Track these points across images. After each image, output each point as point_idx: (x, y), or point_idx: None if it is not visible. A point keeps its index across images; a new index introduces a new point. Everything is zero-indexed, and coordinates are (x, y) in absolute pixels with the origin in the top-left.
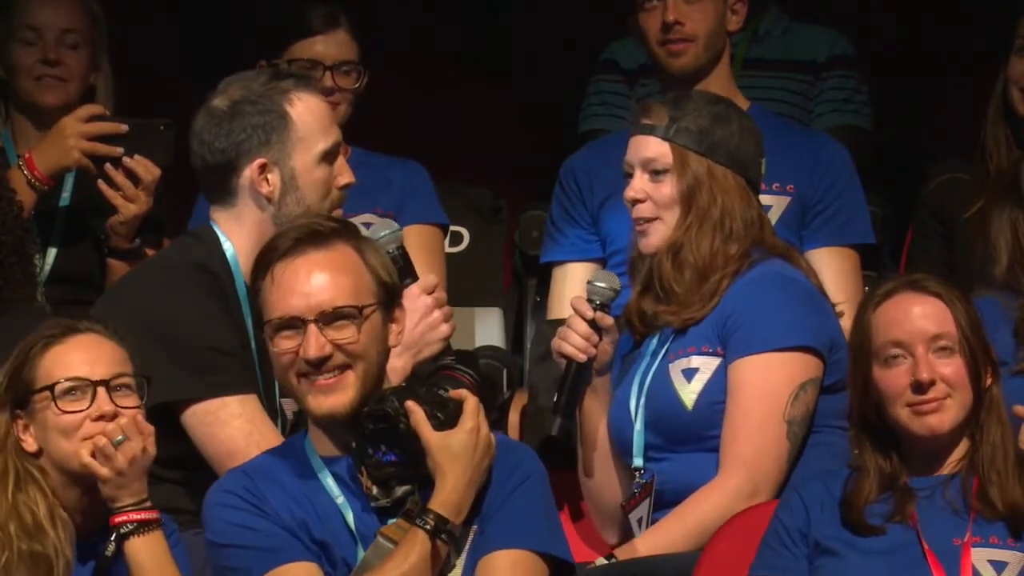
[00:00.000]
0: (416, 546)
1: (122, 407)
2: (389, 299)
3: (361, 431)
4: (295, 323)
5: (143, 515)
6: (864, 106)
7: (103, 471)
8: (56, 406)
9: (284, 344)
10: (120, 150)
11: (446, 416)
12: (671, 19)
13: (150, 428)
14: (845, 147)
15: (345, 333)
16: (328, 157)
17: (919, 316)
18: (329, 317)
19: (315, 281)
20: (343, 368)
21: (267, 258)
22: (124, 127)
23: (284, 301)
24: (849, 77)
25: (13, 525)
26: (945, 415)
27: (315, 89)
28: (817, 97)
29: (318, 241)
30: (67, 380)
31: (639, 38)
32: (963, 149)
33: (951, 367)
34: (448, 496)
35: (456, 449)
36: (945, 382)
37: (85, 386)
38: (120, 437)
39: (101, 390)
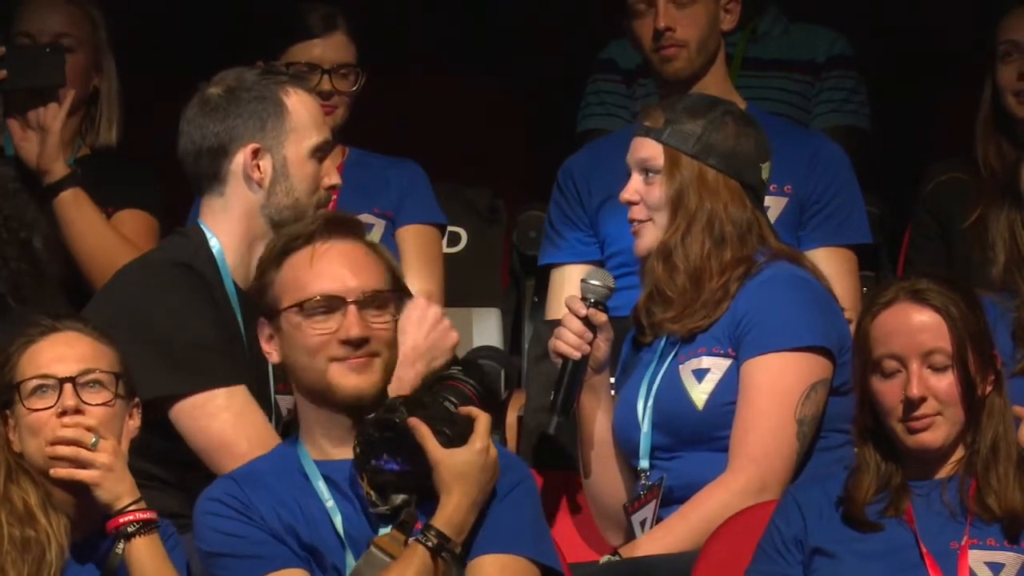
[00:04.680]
0: (415, 560)
1: (90, 403)
2: (401, 299)
3: (365, 437)
4: (334, 304)
5: (146, 515)
6: (863, 106)
7: (87, 475)
8: (23, 405)
9: (319, 326)
10: (3, 73)
11: (454, 433)
12: (662, 26)
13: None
14: (843, 147)
15: (381, 318)
16: (318, 153)
17: (915, 330)
18: (368, 300)
19: (353, 264)
20: (373, 355)
21: (288, 245)
22: (2, 49)
23: (319, 282)
24: (848, 77)
25: (4, 512)
26: (936, 432)
27: (308, 88)
28: (816, 97)
29: (344, 229)
30: (34, 378)
31: (633, 43)
32: (961, 149)
33: (944, 384)
34: (452, 515)
35: (463, 468)
36: (936, 398)
37: (52, 384)
38: (94, 439)
39: (68, 387)
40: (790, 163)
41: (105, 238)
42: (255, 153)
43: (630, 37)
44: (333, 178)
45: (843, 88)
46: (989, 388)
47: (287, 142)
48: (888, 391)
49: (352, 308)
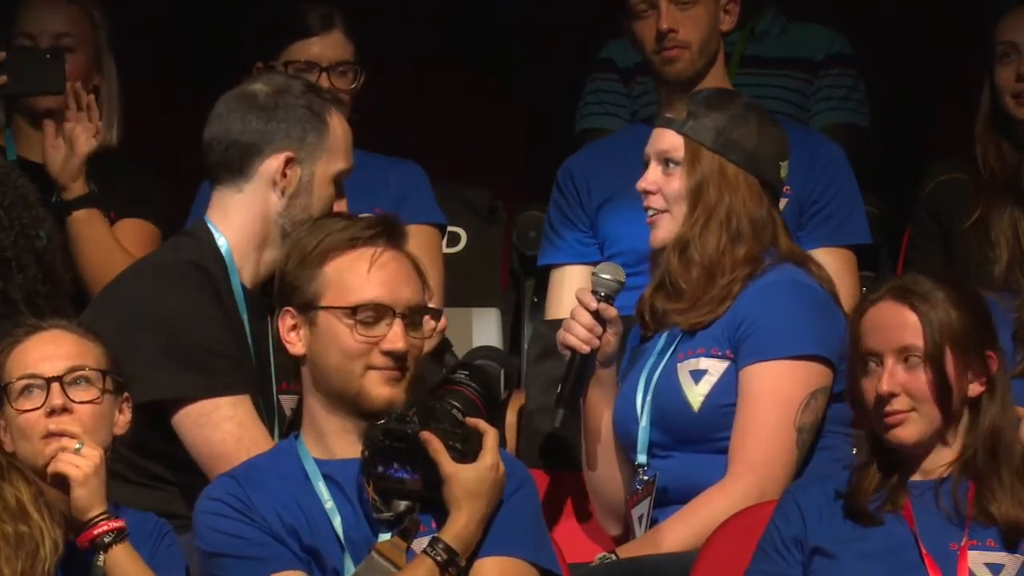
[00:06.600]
0: (421, 573)
1: (78, 401)
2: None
3: (374, 443)
4: (383, 313)
5: (117, 523)
6: (862, 104)
7: (75, 470)
8: (12, 406)
9: (364, 332)
10: (3, 79)
11: (466, 449)
12: (664, 28)
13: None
14: (843, 145)
15: (416, 333)
16: (339, 179)
17: (891, 326)
18: (413, 314)
19: (404, 276)
20: (405, 369)
21: (339, 244)
22: (2, 54)
23: (372, 289)
24: (847, 75)
25: None
26: (909, 429)
27: (347, 114)
28: (815, 95)
29: (398, 239)
30: (21, 379)
31: (634, 44)
32: (961, 149)
33: (916, 380)
34: (461, 530)
35: (474, 485)
36: (909, 395)
37: (40, 384)
38: (78, 444)
39: (55, 386)
40: (789, 163)
41: (112, 257)
42: (288, 161)
43: (631, 38)
44: (341, 207)
45: (842, 86)
46: (981, 388)
47: (320, 160)
48: (868, 387)
49: (399, 320)
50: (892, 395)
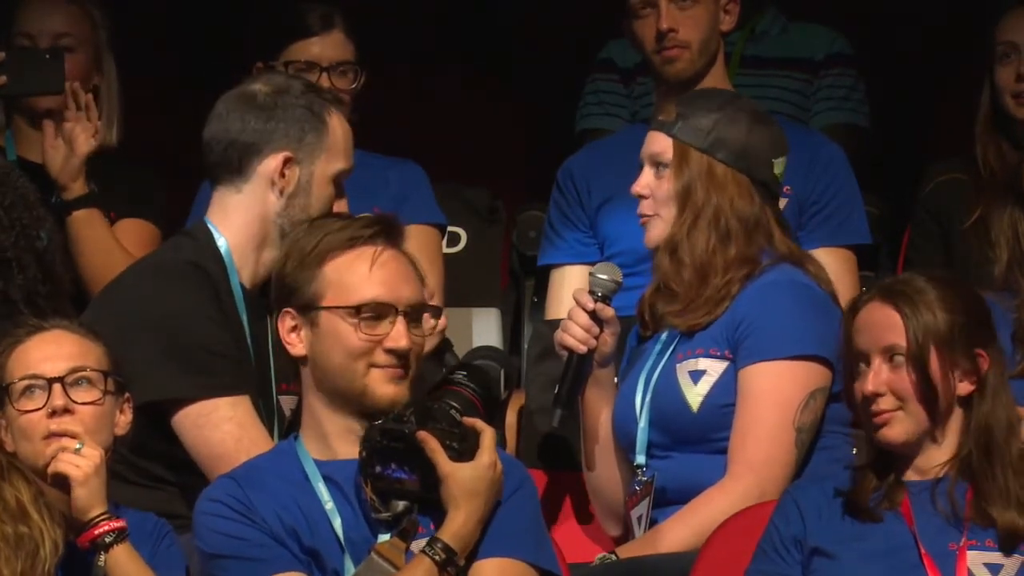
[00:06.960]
0: (420, 573)
1: (79, 402)
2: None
3: (371, 443)
4: (385, 312)
5: (118, 523)
6: (862, 104)
7: (75, 470)
8: (13, 406)
9: (367, 331)
10: (2, 79)
11: (463, 448)
12: (664, 27)
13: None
14: (843, 145)
15: (417, 331)
16: (338, 179)
17: (877, 326)
18: (414, 312)
19: (404, 274)
20: (408, 367)
21: (338, 244)
22: (2, 54)
23: (374, 288)
24: (847, 75)
25: None
26: (895, 428)
27: (347, 114)
28: (815, 95)
29: (396, 238)
30: (23, 379)
31: (634, 44)
32: (961, 149)
33: (901, 380)
34: (459, 529)
35: (472, 484)
36: (895, 394)
37: (41, 384)
38: (78, 444)
39: (56, 387)
40: (789, 164)
41: (112, 257)
42: (286, 161)
43: (631, 38)
44: (341, 207)
45: (842, 85)
46: (971, 388)
47: (318, 160)
48: (856, 388)
49: (401, 318)
50: (877, 395)
